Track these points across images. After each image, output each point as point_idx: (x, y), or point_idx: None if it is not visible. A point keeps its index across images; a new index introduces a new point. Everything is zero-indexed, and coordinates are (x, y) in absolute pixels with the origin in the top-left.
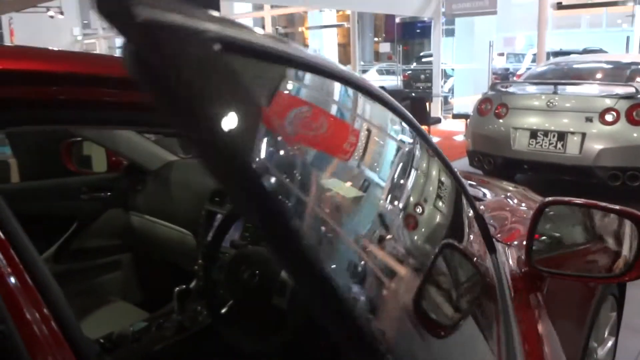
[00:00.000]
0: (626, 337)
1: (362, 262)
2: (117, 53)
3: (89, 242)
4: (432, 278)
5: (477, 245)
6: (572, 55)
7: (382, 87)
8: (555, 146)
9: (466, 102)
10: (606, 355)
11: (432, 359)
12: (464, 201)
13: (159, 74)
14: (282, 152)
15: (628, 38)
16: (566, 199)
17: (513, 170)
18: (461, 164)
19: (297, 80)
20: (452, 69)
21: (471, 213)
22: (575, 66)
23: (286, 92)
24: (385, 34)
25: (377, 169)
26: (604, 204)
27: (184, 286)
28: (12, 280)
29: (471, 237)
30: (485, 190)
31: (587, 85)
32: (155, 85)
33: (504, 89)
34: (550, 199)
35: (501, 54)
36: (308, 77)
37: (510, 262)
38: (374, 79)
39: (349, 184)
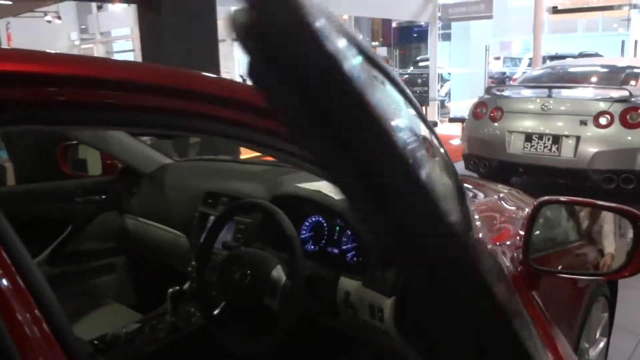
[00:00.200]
0: (618, 338)
1: None
2: (114, 58)
3: (83, 244)
4: None
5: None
6: (567, 59)
7: None
8: (550, 149)
9: (463, 106)
10: (598, 356)
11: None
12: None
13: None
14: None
15: (623, 42)
16: (562, 198)
17: (508, 174)
18: (457, 168)
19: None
20: (449, 73)
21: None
22: (570, 70)
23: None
24: (382, 38)
25: None
26: (599, 202)
27: (177, 288)
28: (4, 282)
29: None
30: (478, 192)
31: (581, 89)
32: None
33: (499, 93)
34: (546, 198)
35: (497, 58)
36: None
37: (506, 260)
38: None
39: None
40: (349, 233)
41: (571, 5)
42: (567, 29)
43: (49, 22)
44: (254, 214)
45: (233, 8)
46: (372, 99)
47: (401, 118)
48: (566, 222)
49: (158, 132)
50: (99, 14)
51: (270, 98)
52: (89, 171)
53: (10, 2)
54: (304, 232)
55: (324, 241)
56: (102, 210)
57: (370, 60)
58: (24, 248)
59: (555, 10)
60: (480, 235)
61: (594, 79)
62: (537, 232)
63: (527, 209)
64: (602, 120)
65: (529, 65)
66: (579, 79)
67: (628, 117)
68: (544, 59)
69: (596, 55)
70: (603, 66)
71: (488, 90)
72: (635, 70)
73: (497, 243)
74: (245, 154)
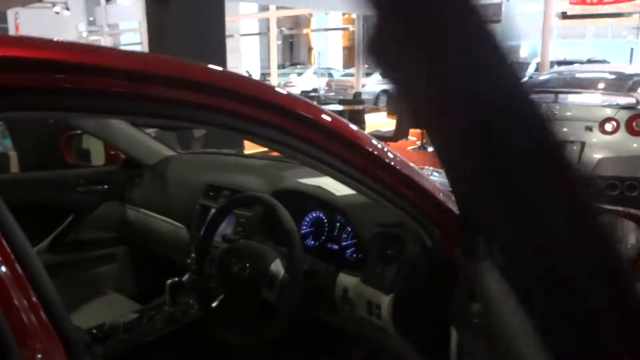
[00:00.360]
0: None
1: None
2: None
3: (85, 234)
4: None
5: None
6: (574, 65)
7: (385, 91)
8: None
9: None
10: None
11: None
12: None
13: None
14: None
15: (632, 50)
16: None
17: None
18: None
19: None
20: None
21: None
22: (577, 75)
23: None
24: None
25: None
26: (607, 207)
27: (176, 279)
28: (3, 269)
29: None
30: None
31: (587, 95)
32: None
33: None
34: None
35: None
36: None
37: None
38: (378, 82)
39: None
40: (349, 229)
41: (580, 11)
42: (576, 35)
43: (57, 13)
44: (254, 207)
45: (241, 3)
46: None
47: None
48: None
49: (162, 124)
50: (107, 6)
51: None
52: (92, 161)
53: None
54: (304, 227)
55: (323, 237)
56: (104, 200)
57: None
58: (24, 236)
59: (564, 16)
60: None
61: (600, 86)
62: None
63: None
64: (608, 127)
65: (536, 69)
66: (585, 85)
67: (634, 124)
68: (552, 64)
69: (604, 62)
70: (610, 73)
71: None
72: None
73: None
74: (250, 149)
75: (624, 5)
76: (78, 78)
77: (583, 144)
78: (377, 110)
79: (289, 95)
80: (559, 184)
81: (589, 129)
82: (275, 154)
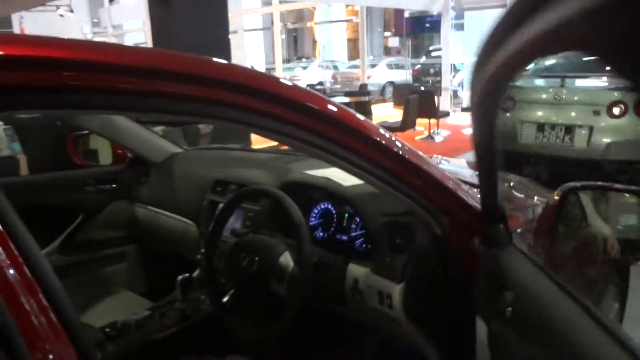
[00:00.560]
0: (630, 328)
1: None
2: None
3: (94, 233)
4: None
5: None
6: None
7: (391, 82)
8: (563, 140)
9: None
10: None
11: None
12: None
13: None
14: None
15: None
16: (590, 183)
17: (520, 164)
18: (471, 157)
19: None
20: (462, 63)
21: None
22: (584, 59)
23: None
24: (394, 28)
25: None
26: (627, 186)
27: (187, 275)
28: (11, 272)
29: None
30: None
31: (595, 78)
32: None
33: (511, 83)
34: (572, 184)
35: None
36: None
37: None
38: (383, 73)
39: None
40: (358, 220)
41: None
42: None
43: (62, 15)
44: (262, 201)
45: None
46: None
47: None
48: (596, 206)
49: (168, 120)
50: (110, 7)
51: None
52: (99, 161)
53: None
54: (313, 219)
55: (332, 228)
56: (112, 199)
57: None
58: (32, 238)
59: None
60: None
61: (607, 68)
62: (564, 218)
63: (535, 198)
64: (616, 110)
65: None
66: (592, 68)
67: None
68: None
69: None
70: None
71: None
72: None
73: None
74: (257, 143)
75: None
76: (80, 75)
77: (591, 128)
78: (383, 101)
79: (295, 86)
80: None
81: (597, 112)
82: (282, 147)
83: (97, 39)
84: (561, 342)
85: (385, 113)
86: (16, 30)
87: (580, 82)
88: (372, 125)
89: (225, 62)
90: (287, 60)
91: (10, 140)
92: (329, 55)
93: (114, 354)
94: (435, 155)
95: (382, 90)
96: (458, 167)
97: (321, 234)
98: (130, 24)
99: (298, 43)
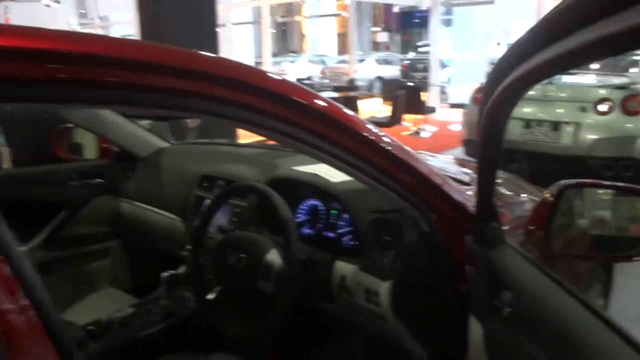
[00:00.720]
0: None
1: None
2: None
3: (78, 229)
4: None
5: None
6: None
7: (380, 77)
8: (549, 136)
9: (463, 92)
10: None
11: None
12: None
13: None
14: None
15: None
16: (586, 180)
17: (507, 159)
18: (457, 153)
19: None
20: (450, 59)
21: None
22: None
23: None
24: (383, 23)
25: None
26: (622, 184)
27: (172, 272)
28: None
29: None
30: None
31: (582, 75)
32: None
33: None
34: (567, 181)
35: (498, 44)
36: None
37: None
38: (372, 68)
39: None
40: (346, 217)
41: None
42: None
43: (48, 6)
44: (249, 197)
45: None
46: None
47: None
48: (589, 205)
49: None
50: None
51: None
52: (84, 155)
53: None
54: (300, 215)
55: (320, 225)
56: (97, 194)
57: None
58: (11, 234)
59: None
60: None
61: (595, 66)
62: (558, 215)
63: (525, 195)
64: (602, 107)
65: None
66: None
67: (628, 104)
68: None
69: None
70: None
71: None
72: (636, 57)
73: None
74: (245, 138)
75: None
76: (65, 67)
77: (578, 125)
78: (371, 96)
79: (284, 81)
80: None
81: (584, 109)
82: (269, 142)
83: (83, 30)
84: (564, 339)
85: (374, 108)
86: (1, 20)
87: (567, 79)
88: (360, 121)
89: (213, 55)
90: (275, 54)
91: None
92: (318, 50)
93: (98, 353)
94: (422, 152)
95: (370, 86)
96: (444, 164)
97: (308, 230)
98: (118, 15)
99: (287, 37)
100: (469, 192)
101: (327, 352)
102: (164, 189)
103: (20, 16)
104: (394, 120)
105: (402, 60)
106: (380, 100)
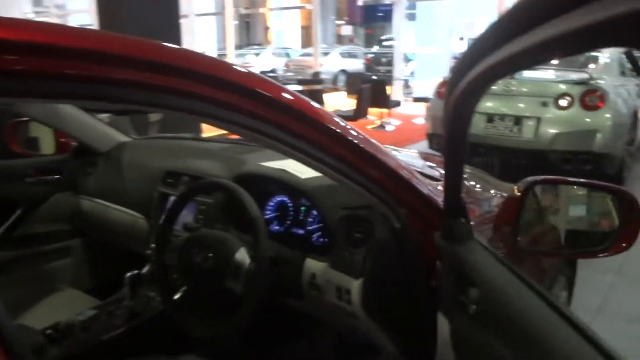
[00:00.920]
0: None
1: None
2: None
3: (35, 227)
4: None
5: None
6: None
7: (344, 71)
8: (511, 130)
9: (427, 86)
10: None
11: None
12: None
13: None
14: None
15: None
16: (552, 177)
17: (470, 153)
18: (421, 147)
19: None
20: (413, 53)
21: None
22: None
23: None
24: (347, 16)
25: None
26: (586, 180)
27: (136, 271)
28: None
29: None
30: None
31: (543, 71)
32: None
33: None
34: (534, 178)
35: (461, 39)
36: None
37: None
38: (336, 62)
39: None
40: (315, 213)
41: None
42: None
43: None
44: (216, 193)
45: None
46: None
47: None
48: (555, 200)
49: (115, 108)
50: None
51: None
52: (41, 150)
53: None
54: (268, 212)
55: (288, 221)
56: (55, 191)
57: None
58: None
59: None
60: None
61: (555, 61)
62: (524, 211)
63: (492, 190)
64: (563, 102)
65: None
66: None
67: (587, 99)
68: None
69: None
70: None
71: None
72: (595, 54)
73: None
74: (209, 132)
75: None
76: (20, 59)
77: (539, 120)
78: (335, 90)
79: (248, 73)
80: None
81: (545, 104)
82: (235, 136)
83: (39, 19)
84: (529, 337)
85: (339, 102)
86: None
87: (529, 74)
88: (326, 113)
89: (176, 46)
90: (239, 47)
91: None
92: (282, 43)
93: (57, 358)
94: (387, 145)
95: (335, 79)
96: (409, 158)
97: (277, 227)
98: (75, 3)
99: (250, 29)
100: (439, 187)
101: (296, 349)
102: (126, 185)
103: None
104: (358, 114)
105: (366, 54)
106: (344, 93)
